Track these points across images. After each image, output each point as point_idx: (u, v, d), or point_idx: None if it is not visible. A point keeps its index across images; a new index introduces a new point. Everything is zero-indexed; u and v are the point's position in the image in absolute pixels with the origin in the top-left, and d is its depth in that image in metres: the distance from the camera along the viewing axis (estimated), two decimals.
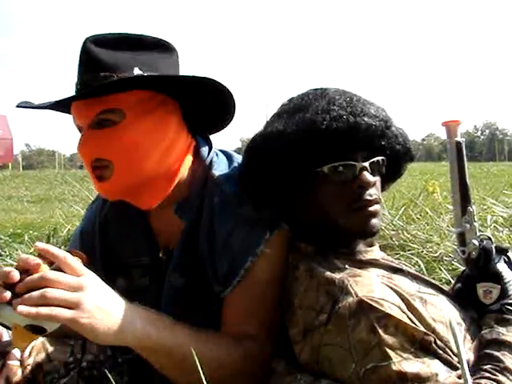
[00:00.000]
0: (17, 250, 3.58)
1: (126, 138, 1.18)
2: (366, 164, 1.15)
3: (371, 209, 1.15)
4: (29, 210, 6.80)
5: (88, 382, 1.27)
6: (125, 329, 1.02)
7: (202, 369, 0.91)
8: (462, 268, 2.12)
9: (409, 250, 2.46)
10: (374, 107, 1.20)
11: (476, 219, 1.22)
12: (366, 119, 1.15)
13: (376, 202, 1.16)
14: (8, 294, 0.95)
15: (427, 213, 3.10)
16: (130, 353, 1.32)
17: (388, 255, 2.22)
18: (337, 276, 1.09)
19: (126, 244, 1.36)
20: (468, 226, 1.21)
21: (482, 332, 1.14)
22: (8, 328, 0.99)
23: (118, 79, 1.17)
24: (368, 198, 1.15)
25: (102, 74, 1.18)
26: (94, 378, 1.27)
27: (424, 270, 2.20)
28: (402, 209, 3.22)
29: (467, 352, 1.09)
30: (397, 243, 2.59)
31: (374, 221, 1.16)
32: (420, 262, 2.26)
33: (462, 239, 1.22)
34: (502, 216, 3.16)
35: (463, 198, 1.22)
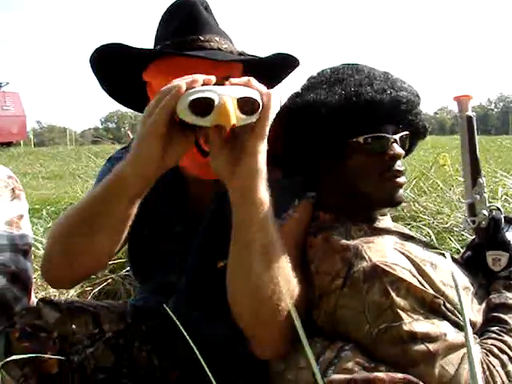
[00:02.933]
0: (36, 225, 3.64)
1: None
2: (397, 137, 1.20)
3: (399, 180, 1.20)
4: (44, 186, 6.86)
5: (114, 350, 1.31)
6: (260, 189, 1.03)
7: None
8: (472, 238, 2.19)
9: (420, 221, 2.51)
10: (406, 84, 1.25)
11: (486, 190, 1.27)
12: (405, 94, 1.20)
13: (403, 173, 1.22)
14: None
15: (438, 185, 3.13)
16: (153, 319, 1.40)
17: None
18: (351, 242, 1.13)
19: (161, 206, 1.33)
20: (478, 197, 1.26)
21: (491, 296, 1.20)
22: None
23: (247, 57, 1.22)
24: (398, 168, 1.20)
25: (216, 38, 1.22)
26: (120, 346, 1.32)
27: (434, 240, 2.25)
28: (414, 181, 3.25)
29: (475, 314, 1.15)
30: (408, 214, 2.64)
31: (401, 191, 1.22)
32: (431, 232, 2.31)
33: (472, 210, 1.27)
34: None
35: (473, 170, 1.27)
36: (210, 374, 0.87)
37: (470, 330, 0.82)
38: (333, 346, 1.06)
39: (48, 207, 4.73)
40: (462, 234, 2.27)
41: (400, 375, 1.00)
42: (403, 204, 2.77)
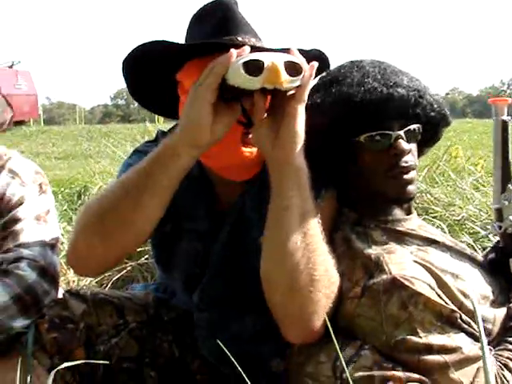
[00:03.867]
0: None
1: None
2: (401, 132, 1.20)
3: (406, 176, 1.20)
4: (57, 167, 6.92)
5: (137, 340, 1.35)
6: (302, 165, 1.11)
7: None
8: (483, 232, 2.22)
9: (431, 213, 2.53)
10: (408, 77, 1.24)
11: None
12: (399, 90, 1.19)
13: (412, 168, 1.21)
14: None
15: (449, 175, 3.15)
16: (174, 311, 1.45)
17: None
18: (373, 252, 1.15)
19: (186, 204, 1.34)
20: (506, 202, 1.27)
21: (511, 305, 1.22)
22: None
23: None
24: (404, 164, 1.20)
25: (252, 39, 1.23)
26: (143, 337, 1.36)
27: (447, 232, 2.27)
28: (426, 170, 3.26)
29: (492, 323, 1.18)
30: (420, 206, 2.66)
31: (410, 187, 1.21)
32: (443, 225, 2.33)
33: (499, 215, 1.28)
34: None
35: (504, 175, 1.27)
36: (238, 367, 0.91)
37: (487, 352, 0.84)
38: (353, 344, 1.10)
39: (62, 189, 4.77)
40: (474, 228, 2.29)
41: (417, 376, 1.04)
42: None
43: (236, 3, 1.28)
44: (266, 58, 1.05)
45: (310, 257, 1.09)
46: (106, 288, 2.36)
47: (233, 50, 1.05)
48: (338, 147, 1.23)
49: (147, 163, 1.14)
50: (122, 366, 1.33)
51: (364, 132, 1.20)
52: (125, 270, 2.39)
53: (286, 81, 1.06)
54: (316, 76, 1.22)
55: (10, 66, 12.00)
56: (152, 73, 1.29)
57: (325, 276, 1.11)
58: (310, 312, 1.10)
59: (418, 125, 1.25)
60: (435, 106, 1.27)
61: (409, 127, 1.22)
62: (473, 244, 2.12)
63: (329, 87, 1.24)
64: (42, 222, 1.44)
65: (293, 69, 1.06)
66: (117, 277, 2.37)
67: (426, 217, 2.47)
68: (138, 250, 2.31)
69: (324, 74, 1.31)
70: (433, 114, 1.27)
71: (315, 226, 1.12)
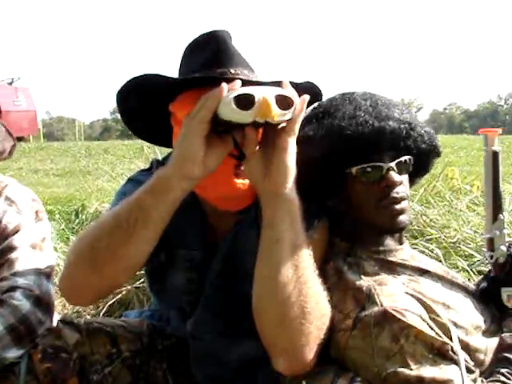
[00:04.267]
0: None
1: None
2: (393, 164, 1.22)
3: (398, 207, 1.22)
4: (55, 184, 6.93)
5: (131, 369, 1.36)
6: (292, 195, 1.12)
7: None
8: (478, 256, 2.23)
9: (426, 235, 2.53)
10: (399, 110, 1.26)
11: (505, 226, 1.29)
12: (390, 123, 1.22)
13: (403, 198, 1.23)
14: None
15: (445, 195, 3.15)
16: (169, 339, 1.46)
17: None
18: (365, 283, 1.16)
19: (179, 233, 1.35)
20: (498, 232, 1.28)
21: (503, 335, 1.23)
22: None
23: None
24: (395, 195, 1.22)
25: (245, 71, 1.24)
26: (136, 365, 1.37)
27: (441, 257, 2.27)
28: (422, 190, 3.27)
29: (484, 353, 1.18)
30: (416, 228, 2.66)
31: (402, 217, 1.23)
32: (437, 250, 2.32)
33: (490, 244, 1.29)
34: None
35: (495, 205, 1.29)
36: None
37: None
38: (345, 375, 1.11)
39: (59, 207, 4.77)
40: (466, 251, 2.29)
41: None
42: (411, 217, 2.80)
43: (230, 36, 1.29)
44: (257, 92, 1.07)
45: (301, 289, 1.10)
46: (103, 310, 2.37)
47: (224, 85, 1.07)
48: (330, 178, 1.25)
49: (140, 195, 1.14)
50: None
51: (356, 164, 1.22)
52: (121, 294, 2.39)
53: (277, 114, 1.08)
54: (308, 107, 1.24)
55: (10, 83, 12.07)
56: (145, 104, 1.30)
57: (316, 308, 1.11)
58: (301, 344, 1.11)
59: (408, 156, 1.26)
60: (426, 137, 1.28)
61: (400, 159, 1.24)
62: (467, 268, 2.13)
63: (321, 119, 1.26)
64: (37, 250, 1.45)
65: (284, 102, 1.08)
66: (113, 300, 2.38)
67: (421, 239, 2.47)
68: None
69: (316, 105, 1.32)
70: (423, 145, 1.28)
71: (307, 259, 1.13)
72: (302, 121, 1.22)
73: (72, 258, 1.21)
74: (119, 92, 1.28)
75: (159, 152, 3.88)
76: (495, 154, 1.28)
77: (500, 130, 1.30)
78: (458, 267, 2.20)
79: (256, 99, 1.06)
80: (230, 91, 1.07)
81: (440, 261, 2.18)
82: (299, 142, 1.16)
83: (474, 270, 2.18)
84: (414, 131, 1.26)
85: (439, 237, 2.50)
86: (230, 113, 1.06)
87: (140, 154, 5.78)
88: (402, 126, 1.23)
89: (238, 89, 1.08)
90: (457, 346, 0.83)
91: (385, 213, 1.22)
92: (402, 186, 1.24)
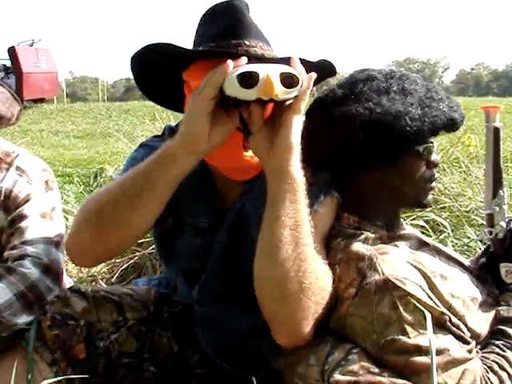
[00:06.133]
0: (67, 192, 3.73)
1: None
2: (436, 145, 1.27)
3: (434, 185, 1.29)
4: (75, 146, 6.97)
5: (136, 336, 1.40)
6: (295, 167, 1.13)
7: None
8: (475, 237, 2.20)
9: (440, 204, 2.52)
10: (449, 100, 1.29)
11: (506, 202, 1.29)
12: (462, 112, 1.27)
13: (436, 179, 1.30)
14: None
15: (463, 162, 3.11)
16: (175, 306, 1.49)
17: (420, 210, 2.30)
18: (367, 252, 1.18)
19: (187, 199, 1.36)
20: (497, 208, 1.29)
21: (500, 308, 1.25)
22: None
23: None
24: (436, 175, 1.28)
25: (260, 44, 1.24)
26: (142, 333, 1.40)
27: (449, 228, 2.25)
28: (441, 154, 3.23)
29: (480, 325, 1.20)
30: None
31: (431, 195, 1.30)
32: (446, 221, 2.30)
33: (490, 220, 1.30)
34: None
35: (495, 181, 1.29)
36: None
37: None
38: (342, 348, 1.13)
39: (79, 170, 4.82)
40: (477, 220, 2.27)
41: (401, 381, 1.06)
42: None
43: (247, 6, 1.29)
44: (261, 70, 1.07)
45: (300, 265, 1.11)
46: (116, 275, 2.42)
47: (229, 62, 1.07)
48: (389, 154, 1.23)
49: (147, 165, 1.17)
50: (121, 361, 1.38)
51: (419, 143, 1.23)
52: (134, 259, 2.44)
53: (281, 92, 1.08)
54: (315, 85, 1.23)
55: (31, 45, 12.05)
56: (159, 71, 1.31)
57: (315, 284, 1.13)
58: (300, 318, 1.13)
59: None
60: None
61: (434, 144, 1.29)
62: (475, 238, 2.11)
63: (404, 96, 1.23)
64: (47, 219, 1.48)
65: (289, 80, 1.09)
66: (127, 264, 2.43)
67: (434, 208, 2.46)
68: (148, 239, 2.36)
69: (373, 75, 1.27)
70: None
71: (307, 236, 1.14)
72: (359, 89, 1.24)
73: (79, 221, 1.25)
74: (132, 59, 1.29)
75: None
76: (496, 130, 1.28)
77: (502, 106, 1.30)
78: (468, 238, 2.19)
79: (260, 77, 1.07)
80: (235, 68, 1.08)
81: (448, 233, 2.17)
82: (384, 114, 1.18)
83: (484, 241, 2.16)
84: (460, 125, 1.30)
85: (453, 205, 2.49)
86: (235, 90, 1.08)
87: (160, 115, 5.79)
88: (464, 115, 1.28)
89: (243, 66, 1.08)
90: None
91: (426, 189, 1.27)
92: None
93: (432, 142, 1.26)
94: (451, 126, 1.25)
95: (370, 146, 1.21)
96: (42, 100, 12.35)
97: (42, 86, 11.59)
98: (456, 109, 1.26)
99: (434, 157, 1.27)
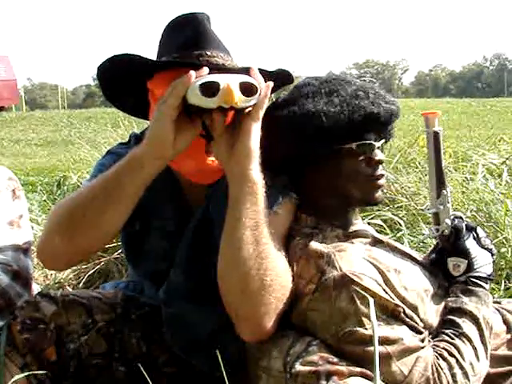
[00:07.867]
0: (31, 200, 3.70)
1: None
2: (379, 144, 1.32)
3: (380, 182, 1.33)
4: (37, 154, 6.91)
5: (106, 338, 1.43)
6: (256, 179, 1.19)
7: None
8: (425, 234, 2.27)
9: (397, 203, 2.61)
10: (391, 97, 1.35)
11: (449, 200, 1.38)
12: (394, 107, 1.33)
13: (383, 176, 1.34)
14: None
15: (419, 163, 3.23)
16: (142, 308, 1.53)
17: (377, 210, 2.40)
18: (325, 250, 1.24)
19: (154, 203, 1.41)
20: (442, 207, 1.37)
21: (449, 299, 1.33)
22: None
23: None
24: (381, 172, 1.33)
25: (221, 54, 1.32)
26: (111, 334, 1.43)
27: (403, 226, 2.34)
28: (398, 154, 3.32)
29: (432, 316, 1.28)
30: (388, 195, 2.74)
31: (380, 192, 1.35)
32: (401, 221, 2.39)
33: (436, 219, 1.39)
34: (493, 163, 3.30)
35: (438, 182, 1.38)
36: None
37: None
38: (302, 340, 1.19)
39: (41, 178, 4.78)
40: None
41: (358, 369, 1.13)
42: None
43: (208, 19, 1.36)
44: (222, 80, 1.14)
45: (261, 263, 1.18)
46: (83, 280, 2.44)
47: (192, 72, 1.14)
48: (325, 153, 1.29)
49: (115, 170, 1.23)
50: (92, 362, 1.41)
51: (353, 140, 1.29)
52: (100, 264, 2.46)
53: (241, 100, 1.15)
54: (273, 92, 1.30)
55: None
56: (125, 80, 1.37)
57: (276, 281, 1.19)
58: (261, 313, 1.19)
59: (384, 140, 1.36)
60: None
61: (382, 141, 1.34)
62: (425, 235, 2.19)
63: (329, 96, 1.30)
64: (15, 227, 1.51)
65: (248, 89, 1.16)
66: (93, 270, 2.45)
67: (391, 207, 2.55)
68: (113, 244, 2.39)
69: (302, 83, 1.36)
70: (392, 133, 1.40)
71: (267, 236, 1.20)
72: (293, 95, 1.32)
73: (49, 225, 1.30)
74: (98, 69, 1.34)
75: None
76: (436, 135, 1.37)
77: (440, 112, 1.39)
78: (423, 235, 2.28)
79: (221, 86, 1.13)
80: (197, 78, 1.14)
81: (404, 231, 2.26)
82: (305, 114, 1.25)
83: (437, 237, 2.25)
84: (397, 117, 1.36)
85: (409, 204, 2.58)
86: (197, 99, 1.14)
87: (122, 122, 5.79)
88: (399, 112, 1.35)
89: (204, 76, 1.15)
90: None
91: (371, 187, 1.32)
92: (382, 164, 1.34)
93: (371, 140, 1.30)
94: (372, 120, 1.29)
95: (300, 146, 1.29)
96: (1, 108, 12.14)
97: (0, 94, 11.40)
98: (381, 104, 1.30)
99: (376, 154, 1.31)
